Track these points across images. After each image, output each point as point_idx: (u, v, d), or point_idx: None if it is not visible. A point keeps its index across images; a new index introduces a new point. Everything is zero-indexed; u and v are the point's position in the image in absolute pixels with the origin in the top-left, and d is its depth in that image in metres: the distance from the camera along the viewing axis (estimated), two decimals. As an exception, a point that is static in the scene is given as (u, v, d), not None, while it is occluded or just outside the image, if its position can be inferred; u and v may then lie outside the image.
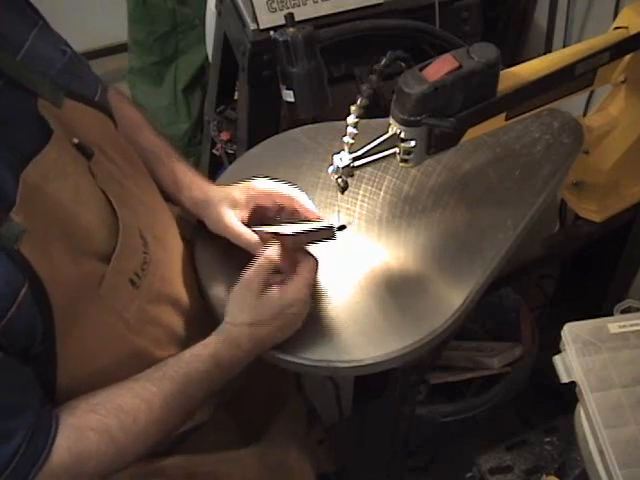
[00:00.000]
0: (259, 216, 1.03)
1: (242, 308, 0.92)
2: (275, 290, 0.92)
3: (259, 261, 0.93)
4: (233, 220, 1.01)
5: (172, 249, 1.01)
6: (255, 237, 0.99)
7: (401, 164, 0.94)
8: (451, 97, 0.89)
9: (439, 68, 0.87)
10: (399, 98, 0.88)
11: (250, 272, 0.92)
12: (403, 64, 0.91)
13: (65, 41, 0.94)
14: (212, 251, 1.05)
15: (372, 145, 0.94)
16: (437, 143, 0.92)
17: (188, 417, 0.90)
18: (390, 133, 0.92)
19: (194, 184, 1.05)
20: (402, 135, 0.91)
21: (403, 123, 0.89)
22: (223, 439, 1.03)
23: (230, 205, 1.02)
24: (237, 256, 1.03)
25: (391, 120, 0.91)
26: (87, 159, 0.87)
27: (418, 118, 0.88)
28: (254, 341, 0.91)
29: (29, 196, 0.76)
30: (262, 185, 1.03)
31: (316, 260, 0.95)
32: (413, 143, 0.91)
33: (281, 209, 1.03)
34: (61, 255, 0.79)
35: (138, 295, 0.89)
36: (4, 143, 0.77)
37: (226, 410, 1.06)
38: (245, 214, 1.02)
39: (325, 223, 0.96)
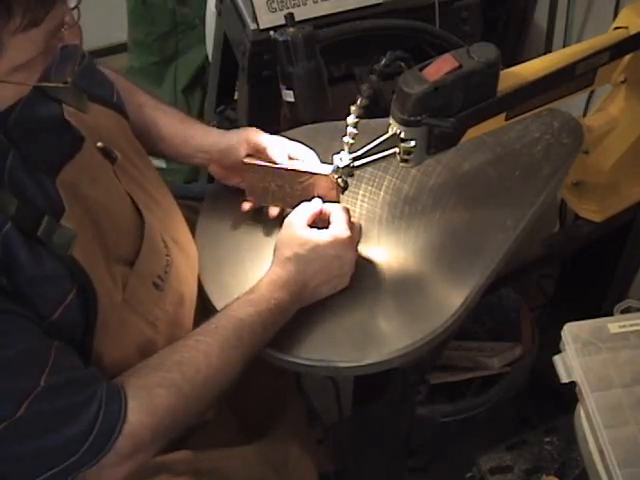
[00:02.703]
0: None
1: (288, 244, 0.95)
2: (322, 232, 0.95)
3: (299, 207, 0.99)
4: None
5: (187, 249, 1.02)
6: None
7: (401, 164, 0.94)
8: (451, 97, 0.89)
9: (439, 68, 0.87)
10: (399, 98, 0.88)
11: (292, 214, 0.98)
12: (403, 64, 0.91)
13: None
14: (213, 252, 1.05)
15: (372, 145, 0.94)
16: (437, 143, 0.92)
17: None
18: (390, 133, 0.92)
19: (190, 139, 1.08)
20: (402, 135, 0.91)
21: (403, 123, 0.89)
22: (226, 437, 1.03)
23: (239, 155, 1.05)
24: (238, 257, 1.03)
25: (391, 120, 0.91)
26: (111, 163, 0.89)
27: (418, 118, 0.88)
28: (299, 280, 0.93)
29: (72, 201, 0.78)
30: (264, 142, 1.05)
31: (360, 226, 1.01)
32: (413, 143, 0.91)
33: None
34: (99, 259, 0.81)
35: (162, 297, 0.91)
36: (40, 152, 0.79)
37: (229, 408, 1.06)
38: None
39: (320, 170, 1.01)
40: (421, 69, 0.88)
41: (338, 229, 0.96)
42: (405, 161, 0.94)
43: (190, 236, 1.05)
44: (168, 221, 0.99)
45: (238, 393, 1.07)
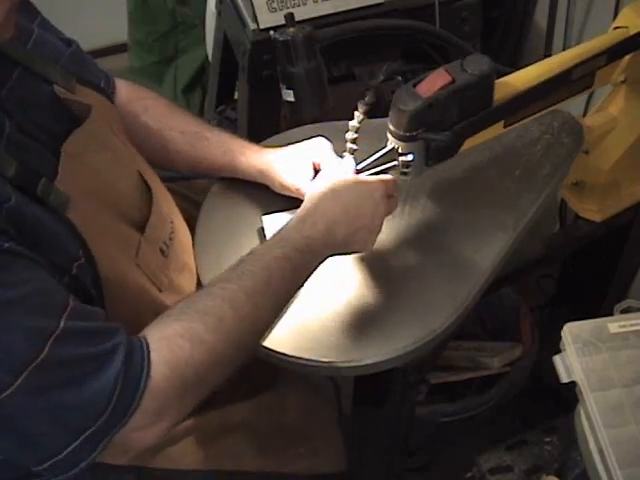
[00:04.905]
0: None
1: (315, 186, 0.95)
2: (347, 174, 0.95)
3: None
4: (300, 183, 1.03)
5: (182, 223, 1.04)
6: None
7: (401, 176, 0.95)
8: (446, 111, 0.89)
9: (432, 83, 0.88)
10: (394, 114, 0.89)
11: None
12: (400, 77, 0.92)
13: (62, 33, 0.97)
14: (213, 251, 1.06)
15: (372, 159, 0.96)
16: (435, 155, 0.93)
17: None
18: (389, 147, 0.93)
19: (247, 151, 1.08)
20: (400, 149, 0.91)
21: (400, 138, 0.90)
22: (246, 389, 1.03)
23: (292, 171, 1.04)
24: (239, 256, 1.03)
25: (388, 135, 0.92)
26: None
27: (414, 133, 0.89)
28: (326, 225, 0.89)
29: (70, 167, 0.80)
30: (318, 156, 1.05)
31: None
32: (411, 157, 0.92)
33: None
34: (102, 222, 0.82)
35: (167, 263, 0.92)
36: (33, 124, 0.81)
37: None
38: (310, 170, 1.04)
39: None
40: (415, 85, 0.89)
41: (367, 178, 0.95)
42: (405, 174, 0.95)
43: (179, 213, 1.06)
44: (162, 197, 1.01)
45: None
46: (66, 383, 0.71)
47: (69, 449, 0.72)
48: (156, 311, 0.84)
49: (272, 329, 0.90)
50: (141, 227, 0.88)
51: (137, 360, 0.75)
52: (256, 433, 1.01)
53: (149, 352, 0.76)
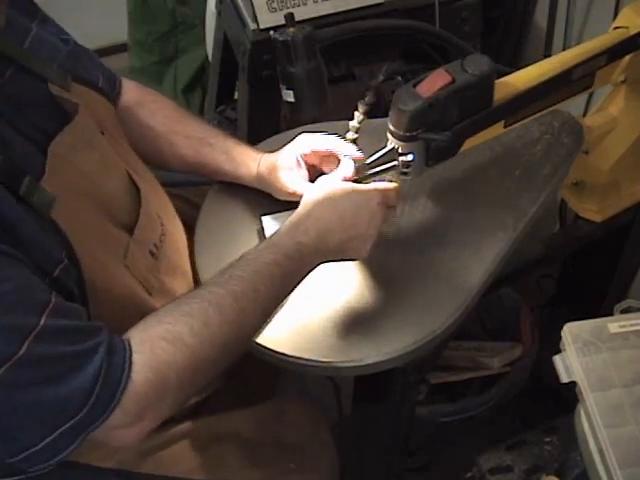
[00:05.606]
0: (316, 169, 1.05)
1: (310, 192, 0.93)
2: (343, 182, 0.93)
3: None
4: (294, 185, 1.02)
5: (177, 226, 1.04)
6: None
7: (401, 177, 0.95)
8: (446, 111, 0.89)
9: (433, 83, 0.88)
10: (394, 114, 0.90)
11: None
12: (400, 77, 0.92)
13: (65, 31, 0.97)
14: (213, 251, 1.06)
15: (372, 159, 0.96)
16: (435, 155, 0.93)
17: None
18: (389, 147, 0.93)
19: (248, 159, 1.08)
20: (400, 149, 0.92)
21: (400, 138, 0.91)
22: (240, 398, 1.03)
23: (287, 172, 1.03)
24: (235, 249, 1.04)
25: (388, 135, 0.92)
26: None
27: (414, 133, 0.89)
28: (318, 232, 0.88)
29: (57, 167, 0.79)
30: (306, 144, 1.04)
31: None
32: (411, 157, 0.92)
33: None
34: (90, 223, 0.81)
35: (157, 266, 0.91)
36: (26, 123, 0.80)
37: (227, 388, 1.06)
38: (304, 172, 1.04)
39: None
40: (415, 85, 0.89)
41: (364, 186, 0.94)
42: (405, 174, 0.95)
43: (176, 216, 1.06)
44: (156, 198, 1.00)
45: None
46: (45, 380, 0.71)
47: (45, 442, 0.72)
48: (145, 314, 0.83)
49: (260, 332, 0.90)
50: (130, 229, 0.88)
51: (118, 360, 0.74)
52: (248, 444, 1.01)
53: (131, 353, 0.76)
